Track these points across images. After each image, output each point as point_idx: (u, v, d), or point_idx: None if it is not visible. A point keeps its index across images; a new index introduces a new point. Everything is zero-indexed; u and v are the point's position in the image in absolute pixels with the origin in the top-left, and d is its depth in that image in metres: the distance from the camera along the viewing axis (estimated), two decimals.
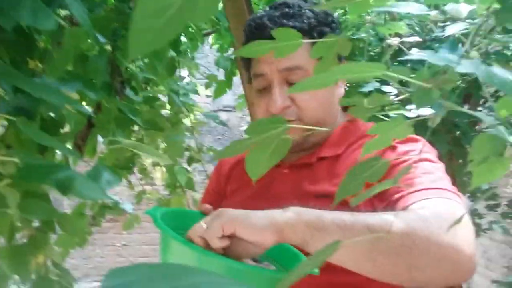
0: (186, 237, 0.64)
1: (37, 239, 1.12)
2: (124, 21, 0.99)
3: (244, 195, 0.93)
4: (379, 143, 0.51)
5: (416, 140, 0.84)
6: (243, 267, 0.62)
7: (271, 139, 0.56)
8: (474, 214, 2.33)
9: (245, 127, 4.80)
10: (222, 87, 2.06)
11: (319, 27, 0.86)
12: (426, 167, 0.77)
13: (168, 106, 1.40)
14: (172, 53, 1.22)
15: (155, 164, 1.74)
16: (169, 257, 0.65)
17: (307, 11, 0.86)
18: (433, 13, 0.63)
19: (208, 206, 0.76)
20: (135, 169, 1.75)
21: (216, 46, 2.00)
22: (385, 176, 0.76)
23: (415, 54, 0.45)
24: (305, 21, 0.85)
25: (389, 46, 1.08)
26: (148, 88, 1.25)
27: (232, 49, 2.12)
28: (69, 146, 1.00)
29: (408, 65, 1.34)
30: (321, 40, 0.55)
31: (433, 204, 0.68)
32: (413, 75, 0.47)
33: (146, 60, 1.19)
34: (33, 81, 0.40)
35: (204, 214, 0.74)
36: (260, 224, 0.62)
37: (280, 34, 0.55)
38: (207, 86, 2.00)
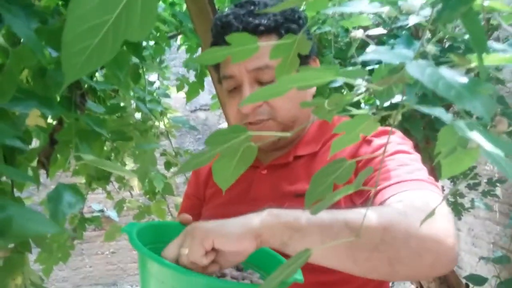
0: (162, 256, 0.62)
1: (13, 261, 1.09)
2: None
3: (223, 199, 0.92)
4: (347, 140, 0.49)
5: (392, 133, 0.84)
6: (224, 285, 0.61)
7: (234, 149, 0.55)
8: (456, 194, 2.35)
9: (224, 125, 4.80)
10: (194, 89, 2.03)
11: (286, 24, 0.84)
12: (402, 158, 0.76)
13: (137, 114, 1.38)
14: (135, 59, 1.20)
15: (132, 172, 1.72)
16: (147, 277, 0.63)
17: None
18: (386, 9, 0.62)
19: (187, 217, 0.74)
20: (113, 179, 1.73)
21: (184, 48, 1.97)
22: (358, 171, 0.76)
23: (370, 53, 0.44)
24: (271, 18, 0.83)
25: (354, 39, 1.07)
26: (117, 96, 1.22)
27: (200, 49, 2.10)
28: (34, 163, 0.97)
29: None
30: (278, 42, 0.53)
31: (411, 197, 0.68)
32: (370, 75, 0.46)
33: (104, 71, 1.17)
34: None
35: (183, 224, 0.73)
36: (236, 232, 0.60)
37: (235, 39, 0.54)
38: (178, 88, 1.98)
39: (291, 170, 0.87)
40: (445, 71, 0.37)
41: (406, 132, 0.84)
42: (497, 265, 1.90)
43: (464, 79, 0.34)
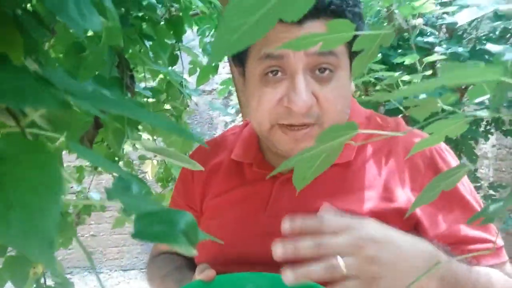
0: None
1: None
2: (129, 7, 0.89)
3: (238, 212, 0.80)
4: (432, 140, 0.47)
5: (451, 153, 0.79)
6: None
7: (334, 147, 0.50)
8: None
9: (215, 114, 4.70)
10: (205, 73, 1.96)
11: (352, 7, 0.69)
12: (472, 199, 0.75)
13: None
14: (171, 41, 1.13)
15: (142, 158, 1.65)
16: None
17: None
18: (505, 7, 0.58)
19: (211, 274, 0.65)
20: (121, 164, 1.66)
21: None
22: (451, 200, 0.72)
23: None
24: None
25: (414, 27, 1.03)
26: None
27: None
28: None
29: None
30: (366, 32, 0.49)
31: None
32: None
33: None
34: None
35: (206, 282, 0.65)
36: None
37: (333, 26, 0.50)
38: (190, 72, 1.90)
39: (318, 182, 0.73)
40: None
41: None
42: None
43: None
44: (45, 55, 0.47)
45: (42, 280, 1.07)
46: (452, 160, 0.76)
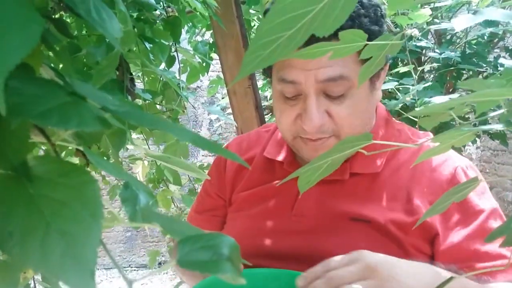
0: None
1: None
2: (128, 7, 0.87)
3: (260, 209, 0.83)
4: (438, 150, 0.49)
5: (475, 169, 0.78)
6: None
7: (341, 155, 0.51)
8: None
9: (199, 109, 4.66)
10: (195, 72, 1.94)
11: (365, 23, 0.70)
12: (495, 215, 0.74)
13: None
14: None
15: (132, 158, 1.62)
16: None
17: None
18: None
19: None
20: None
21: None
22: (469, 215, 0.72)
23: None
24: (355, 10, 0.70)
25: (411, 37, 1.03)
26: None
27: (206, 32, 2.01)
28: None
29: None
30: (375, 43, 0.49)
31: None
32: None
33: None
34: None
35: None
36: None
37: (345, 36, 0.50)
38: (181, 71, 1.88)
39: (346, 188, 0.78)
40: None
41: None
42: None
43: None
44: (60, 60, 0.46)
45: (32, 285, 1.04)
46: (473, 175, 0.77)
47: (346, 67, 0.70)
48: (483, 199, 0.74)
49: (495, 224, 0.71)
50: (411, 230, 0.71)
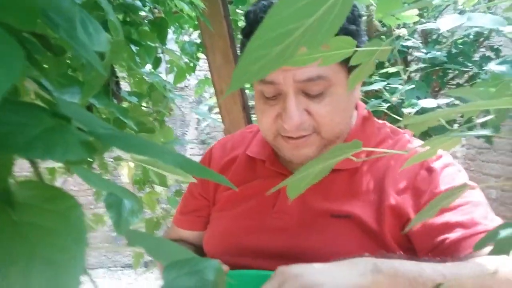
0: None
1: None
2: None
3: (243, 208, 0.85)
4: (425, 155, 0.49)
5: (453, 164, 0.79)
6: None
7: (331, 163, 0.51)
8: None
9: (186, 109, 4.62)
10: (182, 73, 1.93)
11: (344, 25, 0.71)
12: (475, 197, 0.74)
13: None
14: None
15: (117, 159, 1.60)
16: None
17: None
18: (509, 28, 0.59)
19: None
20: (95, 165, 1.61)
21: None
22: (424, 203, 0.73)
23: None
24: None
25: (398, 37, 1.03)
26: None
27: (193, 32, 2.00)
28: None
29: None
30: (364, 49, 0.50)
31: None
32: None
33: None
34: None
35: None
36: None
37: (335, 43, 0.50)
38: (168, 71, 1.86)
39: (327, 184, 0.78)
40: None
41: None
42: None
43: None
44: (44, 73, 0.44)
45: None
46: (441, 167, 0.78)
47: (324, 67, 0.72)
48: (453, 182, 0.75)
49: (462, 199, 0.72)
50: (387, 220, 0.73)
